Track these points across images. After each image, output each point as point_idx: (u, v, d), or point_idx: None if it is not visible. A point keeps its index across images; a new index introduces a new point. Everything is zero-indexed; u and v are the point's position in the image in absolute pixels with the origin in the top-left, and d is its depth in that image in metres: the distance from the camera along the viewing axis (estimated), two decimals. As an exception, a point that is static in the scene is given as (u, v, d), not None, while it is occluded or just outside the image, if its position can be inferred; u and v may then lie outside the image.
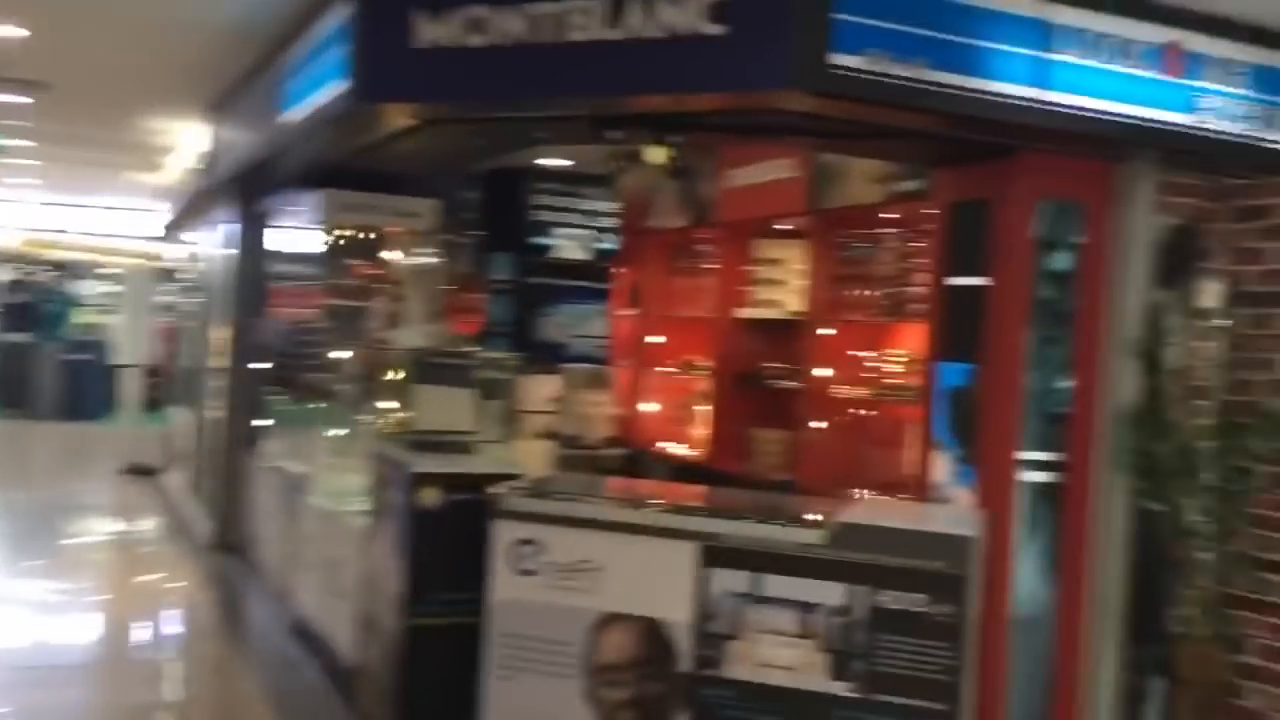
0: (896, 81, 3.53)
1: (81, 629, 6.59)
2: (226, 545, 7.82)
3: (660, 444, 6.81)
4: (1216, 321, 4.43)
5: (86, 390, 15.74)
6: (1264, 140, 4.22)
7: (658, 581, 3.88)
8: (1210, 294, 4.42)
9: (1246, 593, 4.28)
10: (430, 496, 4.30)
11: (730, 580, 3.82)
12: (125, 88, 7.32)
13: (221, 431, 8.00)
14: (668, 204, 6.76)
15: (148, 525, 9.63)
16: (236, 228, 7.96)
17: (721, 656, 3.83)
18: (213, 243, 9.18)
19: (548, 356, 7.77)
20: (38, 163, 11.28)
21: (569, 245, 8.44)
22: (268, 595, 6.54)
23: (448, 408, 4.82)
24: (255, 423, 7.67)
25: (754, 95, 3.67)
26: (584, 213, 8.48)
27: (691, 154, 4.65)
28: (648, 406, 7.02)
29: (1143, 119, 3.95)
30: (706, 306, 6.48)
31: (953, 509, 4.22)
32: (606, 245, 8.43)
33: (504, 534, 4.00)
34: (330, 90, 4.50)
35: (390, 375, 5.20)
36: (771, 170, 5.62)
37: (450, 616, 4.27)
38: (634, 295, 7.16)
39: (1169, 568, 4.30)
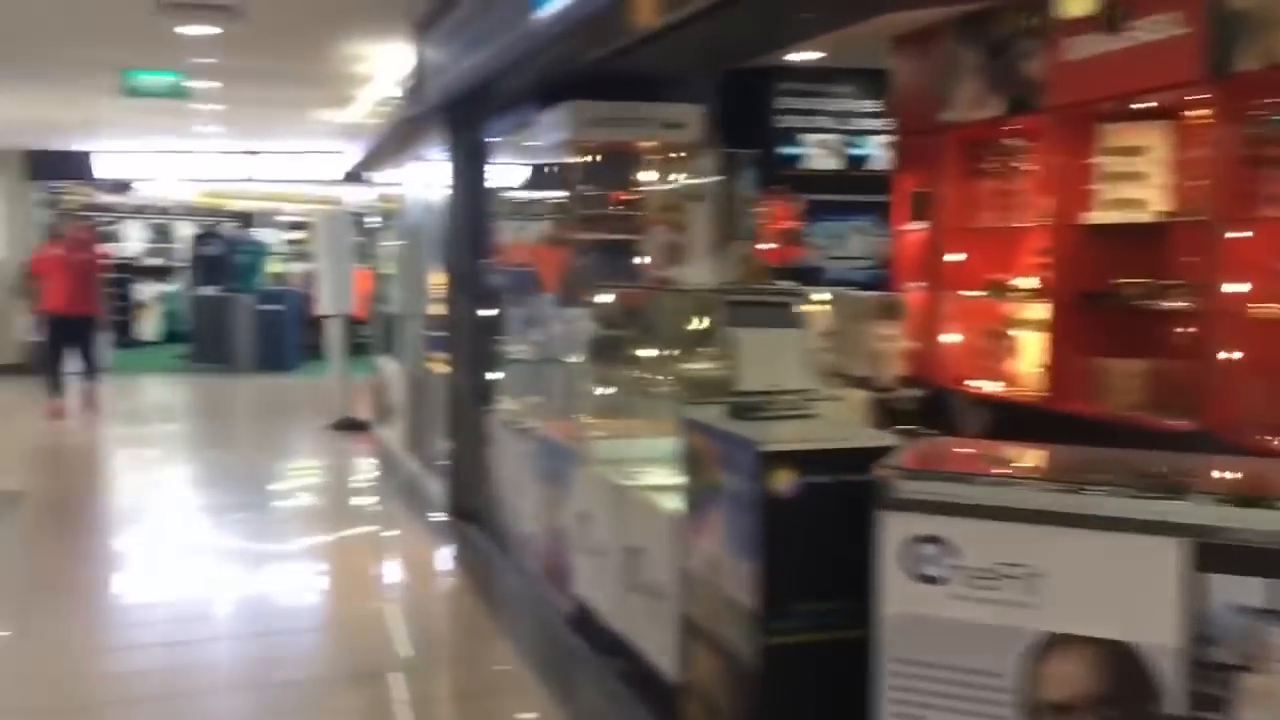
0: None
1: (315, 604, 5.98)
2: (462, 512, 7.08)
3: (969, 381, 5.71)
4: None
5: (282, 341, 15.44)
6: None
7: (1127, 592, 2.84)
8: None
9: None
10: (784, 480, 3.33)
11: (1238, 590, 2.75)
12: (322, 8, 6.49)
13: (447, 385, 7.23)
14: (969, 91, 5.58)
15: (368, 486, 9.06)
16: (449, 160, 7.10)
17: (1230, 695, 2.77)
18: (417, 180, 8.39)
19: (804, 283, 6.74)
20: (220, 107, 10.70)
21: (820, 153, 7.31)
22: (526, 575, 5.74)
23: (773, 359, 3.84)
24: (488, 376, 6.87)
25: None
26: (836, 114, 7.32)
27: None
28: (948, 338, 5.92)
29: None
30: (1030, 213, 5.32)
31: None
32: (864, 150, 7.28)
33: (896, 529, 3.00)
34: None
35: (681, 319, 4.26)
36: (1148, 30, 4.38)
37: (817, 633, 3.33)
38: (920, 206, 6.03)
39: None
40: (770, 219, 4.43)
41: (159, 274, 19.24)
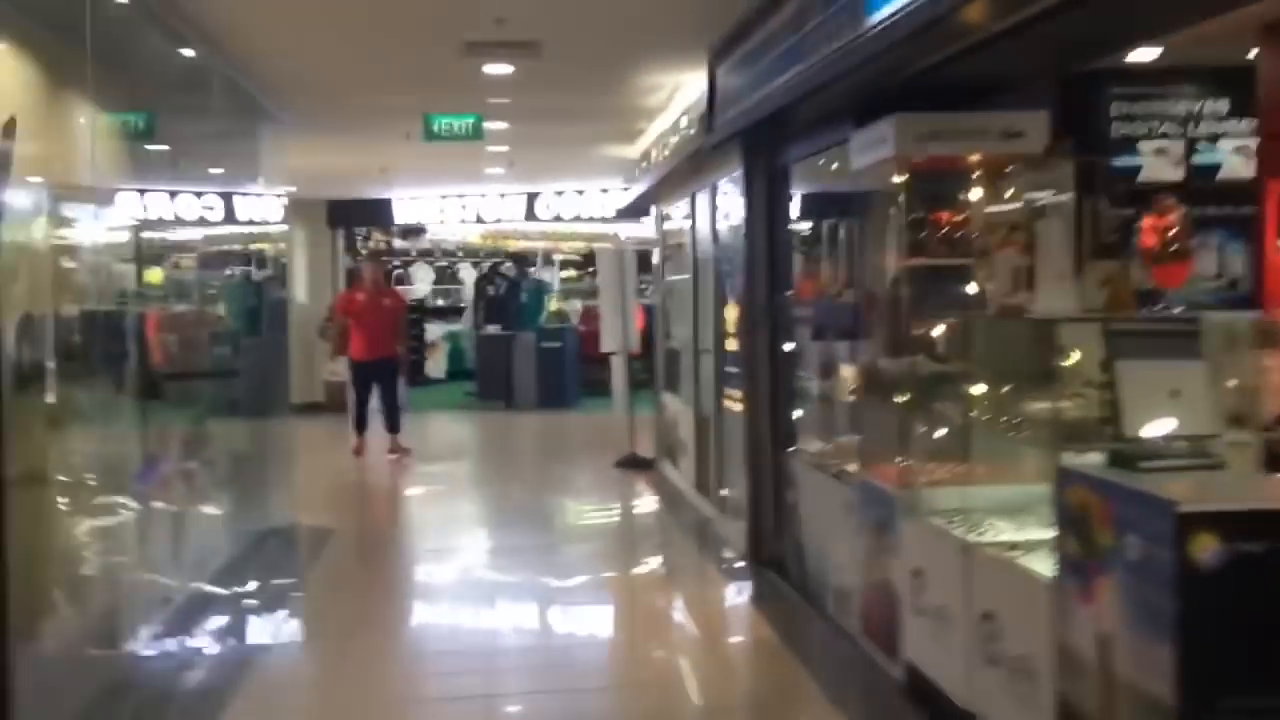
0: None
1: (614, 656, 5.72)
2: (762, 557, 6.70)
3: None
4: None
5: (562, 378, 15.62)
6: None
7: None
8: None
9: None
10: (1207, 547, 2.75)
11: None
12: (619, 38, 6.34)
13: (745, 423, 6.88)
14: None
15: (657, 526, 8.82)
16: (744, 189, 6.79)
17: None
18: (705, 211, 8.13)
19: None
20: (505, 148, 10.87)
21: (1157, 163, 6.51)
22: (843, 632, 5.28)
23: (1168, 397, 3.25)
24: (790, 414, 6.49)
25: None
26: (1176, 119, 6.50)
27: None
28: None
29: None
30: None
31: None
32: (1212, 158, 6.42)
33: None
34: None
35: (1037, 351, 3.72)
36: None
37: (1259, 735, 2.72)
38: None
39: None
40: (1144, 234, 3.84)
41: (445, 314, 20.02)
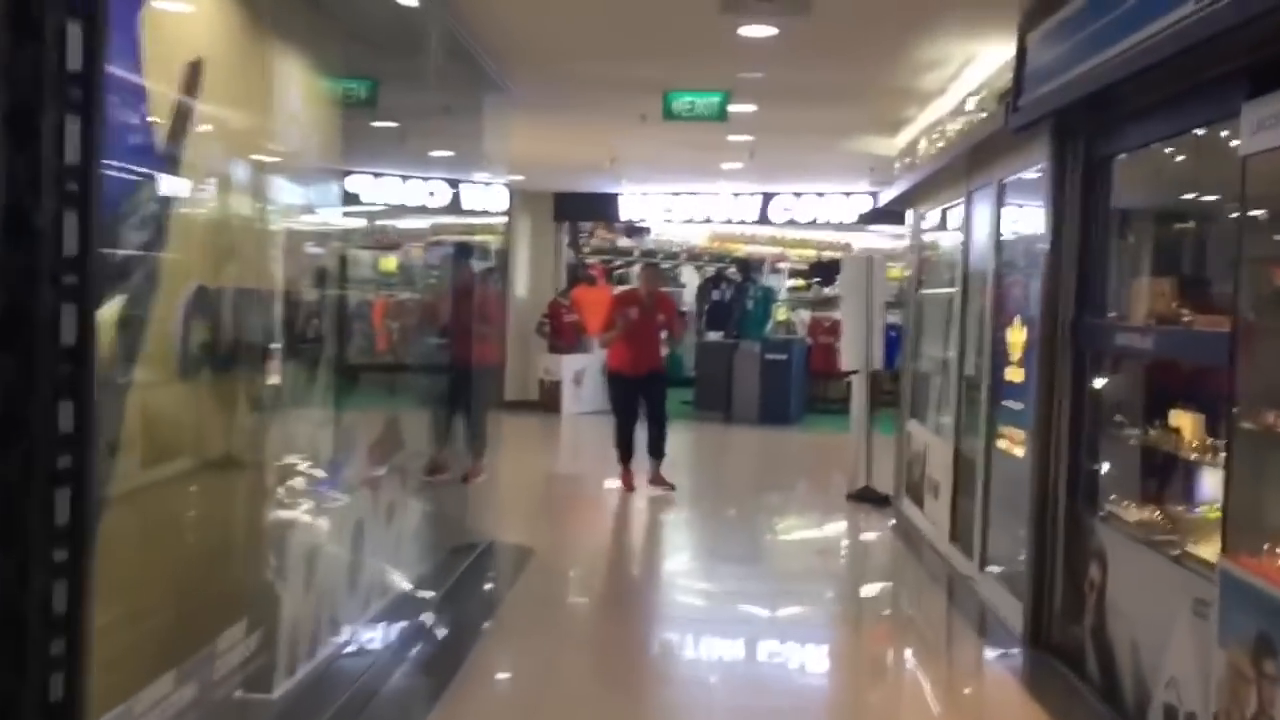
0: None
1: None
2: (1047, 644, 5.41)
3: None
4: None
5: (786, 393, 14.50)
6: None
7: None
8: None
9: None
10: None
11: None
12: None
13: (1031, 471, 5.59)
14: None
15: (901, 582, 7.57)
16: (1050, 184, 5.51)
17: None
18: (985, 213, 6.86)
19: None
20: (749, 138, 9.83)
21: None
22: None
23: None
24: (1097, 465, 5.18)
25: None
26: None
27: None
28: None
29: None
30: None
31: None
32: None
33: None
34: None
35: None
36: None
37: None
38: None
39: None
40: None
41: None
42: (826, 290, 19.43)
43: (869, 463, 9.51)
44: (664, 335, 9.57)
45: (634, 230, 20.14)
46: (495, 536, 7.41)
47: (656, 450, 9.47)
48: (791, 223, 14.51)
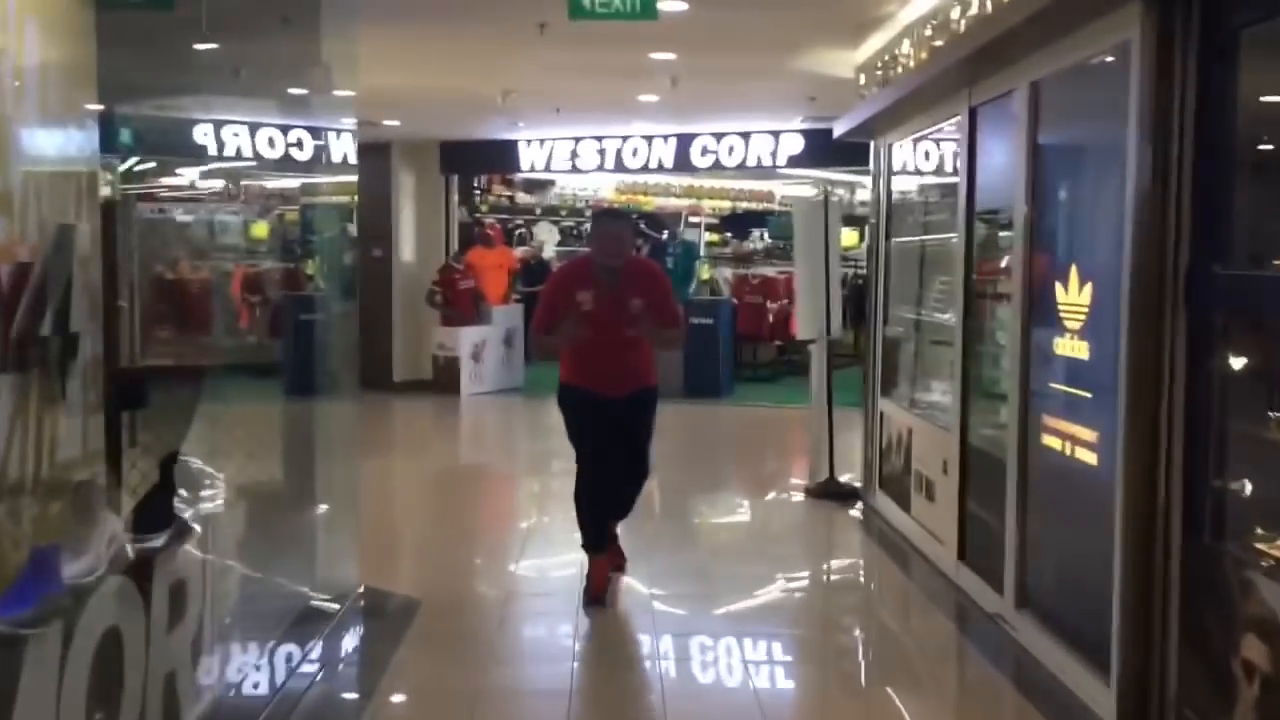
0: None
1: None
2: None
3: None
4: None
5: (715, 363, 12.78)
6: None
7: None
8: None
9: None
10: None
11: None
12: None
13: (1122, 487, 3.91)
14: None
15: (903, 614, 5.89)
16: (1142, 75, 3.79)
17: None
18: (1011, 128, 5.16)
19: None
20: (673, 56, 7.99)
21: None
22: None
23: None
24: (1227, 484, 3.52)
25: None
26: None
27: None
28: None
29: None
30: None
31: None
32: None
33: None
34: None
35: None
36: None
37: None
38: None
39: None
40: None
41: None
42: (749, 244, 17.81)
43: (831, 451, 7.83)
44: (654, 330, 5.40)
45: (535, 185, 18.20)
46: (367, 582, 5.54)
47: (619, 506, 5.60)
48: (717, 166, 12.67)
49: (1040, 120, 4.78)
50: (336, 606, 5.07)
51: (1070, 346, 4.41)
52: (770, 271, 14.85)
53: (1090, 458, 4.22)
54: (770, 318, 14.13)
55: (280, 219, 5.90)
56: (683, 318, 5.94)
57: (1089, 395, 4.26)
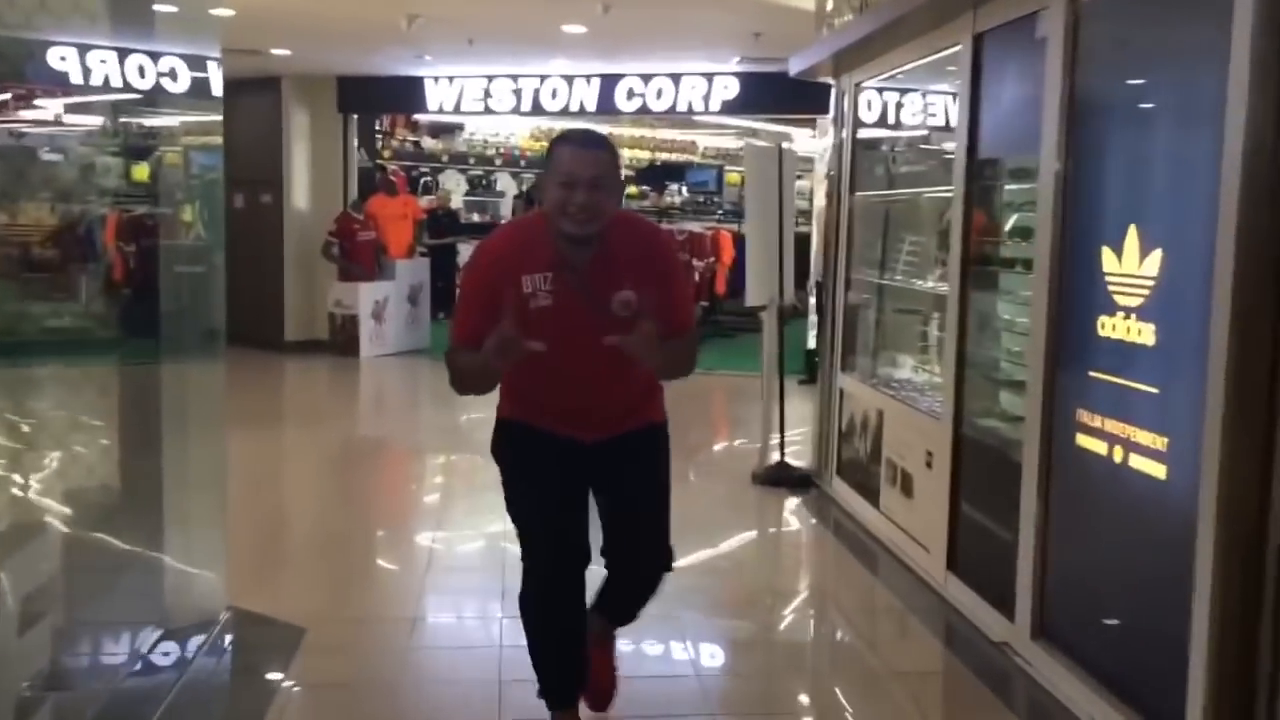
0: None
1: None
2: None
3: None
4: None
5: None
6: None
7: None
8: None
9: None
10: None
11: None
12: None
13: (1219, 502, 3.06)
14: None
15: (894, 636, 5.02)
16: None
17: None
18: (1039, 57, 4.25)
19: None
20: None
21: None
22: None
23: None
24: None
25: None
26: None
27: None
28: None
29: None
30: None
31: None
32: None
33: None
34: None
35: None
36: None
37: None
38: None
39: None
40: None
41: (483, 232, 16.06)
42: (667, 198, 16.88)
43: (782, 432, 6.95)
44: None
45: (442, 129, 16.92)
46: (236, 603, 4.48)
47: (624, 610, 3.57)
48: (644, 111, 11.63)
49: (1081, 49, 3.87)
50: (190, 644, 4.02)
51: (1124, 328, 3.53)
52: (697, 227, 13.92)
53: (1154, 468, 3.36)
54: (696, 276, 13.24)
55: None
56: (698, 319, 3.84)
57: (1154, 390, 3.40)
